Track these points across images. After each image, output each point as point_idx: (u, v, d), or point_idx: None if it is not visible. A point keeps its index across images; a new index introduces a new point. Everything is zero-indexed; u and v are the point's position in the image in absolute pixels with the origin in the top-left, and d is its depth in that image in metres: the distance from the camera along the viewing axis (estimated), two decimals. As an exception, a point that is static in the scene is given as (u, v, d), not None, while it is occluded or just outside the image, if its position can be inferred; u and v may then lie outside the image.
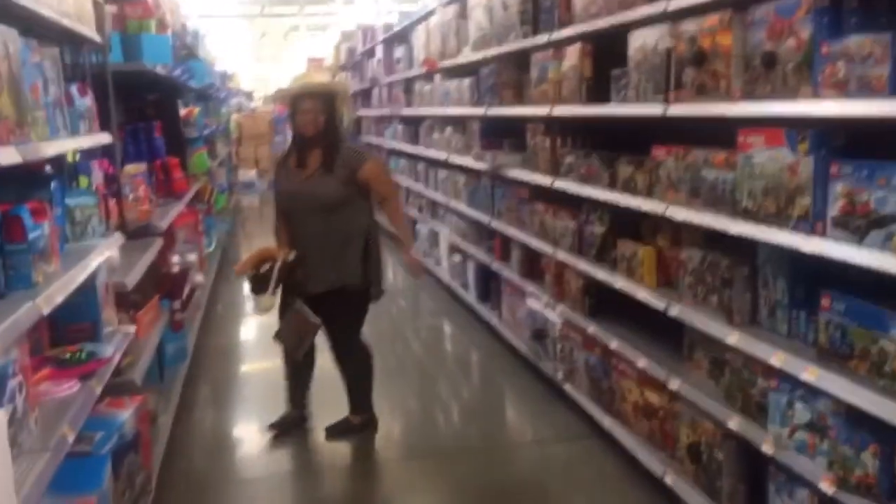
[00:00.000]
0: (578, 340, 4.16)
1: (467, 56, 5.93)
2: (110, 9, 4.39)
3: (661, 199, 3.21)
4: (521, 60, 5.00)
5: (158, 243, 4.27)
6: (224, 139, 12.73)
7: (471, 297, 6.32)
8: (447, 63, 6.57)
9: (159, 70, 4.84)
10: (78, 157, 3.29)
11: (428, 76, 7.54)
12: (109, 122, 4.10)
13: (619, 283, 3.63)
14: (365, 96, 12.05)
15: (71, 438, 2.12)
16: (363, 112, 12.28)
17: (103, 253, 2.78)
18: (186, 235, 5.98)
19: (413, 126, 8.37)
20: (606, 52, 3.76)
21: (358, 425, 4.20)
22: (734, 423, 2.79)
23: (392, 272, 8.59)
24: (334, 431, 4.20)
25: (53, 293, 2.13)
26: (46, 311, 2.10)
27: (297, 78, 4.24)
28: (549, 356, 4.58)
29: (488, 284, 5.94)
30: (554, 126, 4.43)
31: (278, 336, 3.97)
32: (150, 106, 6.23)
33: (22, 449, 1.97)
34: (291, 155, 4.01)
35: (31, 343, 2.64)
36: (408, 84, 8.59)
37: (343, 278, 3.93)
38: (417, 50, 7.84)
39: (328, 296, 3.91)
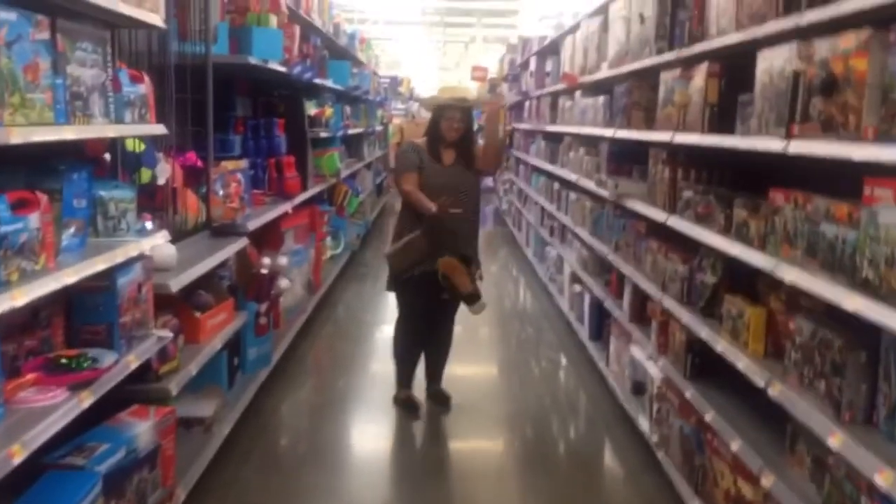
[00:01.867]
0: (676, 404, 3.61)
1: (604, 72, 5.45)
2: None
3: (774, 254, 2.65)
4: (655, 80, 4.48)
5: (240, 243, 4.11)
6: (376, 142, 12.79)
7: (583, 332, 5.82)
8: (586, 79, 6.11)
9: (272, 66, 4.70)
10: (142, 146, 3.15)
11: (570, 92, 7.09)
12: (201, 115, 4.00)
13: (721, 345, 3.07)
14: (518, 109, 11.72)
15: (18, 459, 1.90)
16: (517, 125, 11.96)
17: (128, 251, 2.59)
18: (297, 237, 5.86)
19: (554, 143, 7.93)
20: (737, 73, 3.21)
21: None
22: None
23: (525, 296, 8.19)
24: (444, 401, 4.73)
25: (18, 294, 1.92)
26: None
27: (444, 89, 4.70)
28: (646, 414, 4.03)
29: (602, 322, 5.42)
30: (675, 155, 3.90)
31: (389, 256, 4.54)
32: (279, 103, 6.21)
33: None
34: (424, 150, 4.51)
35: (38, 342, 2.49)
36: (553, 99, 8.17)
37: (469, 251, 4.51)
38: (564, 63, 7.41)
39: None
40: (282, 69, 4.98)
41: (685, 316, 3.48)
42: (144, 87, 2.78)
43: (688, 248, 3.70)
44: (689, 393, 3.41)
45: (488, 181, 15.76)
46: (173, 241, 3.62)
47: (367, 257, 9.70)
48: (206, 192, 4.02)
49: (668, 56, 3.86)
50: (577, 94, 6.69)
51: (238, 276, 4.61)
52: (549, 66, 8.57)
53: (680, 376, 3.56)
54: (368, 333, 6.47)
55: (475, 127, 5.03)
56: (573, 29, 6.92)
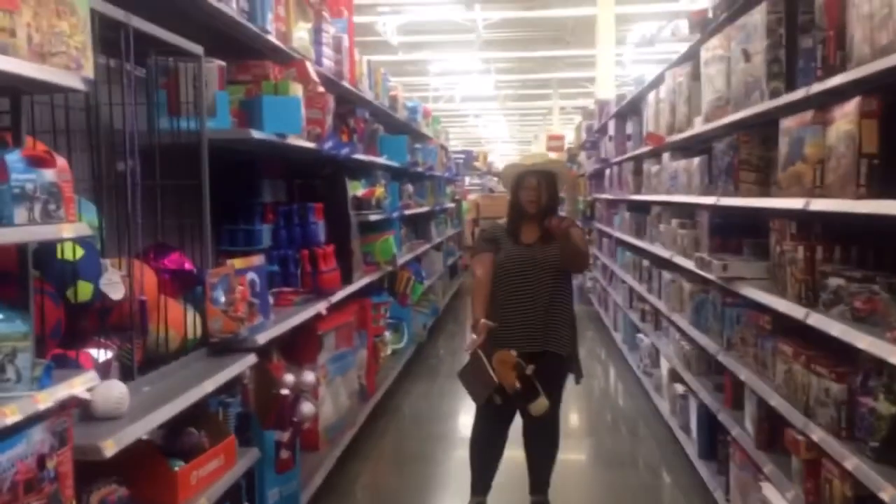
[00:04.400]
0: (842, 586, 2.49)
1: (698, 128, 4.48)
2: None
3: None
4: (768, 132, 3.50)
5: (243, 363, 3.25)
6: (447, 220, 11.99)
7: (692, 449, 4.68)
8: (675, 138, 5.13)
9: (293, 141, 3.91)
10: (80, 253, 2.33)
11: (656, 155, 6.12)
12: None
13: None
14: (598, 178, 10.76)
15: None
16: (596, 195, 10.98)
17: (4, 414, 1.73)
18: (339, 339, 4.99)
19: (641, 214, 6.92)
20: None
21: None
22: None
23: (616, 391, 7.11)
24: None
25: None
26: None
27: (524, 157, 4.41)
28: (792, 587, 2.90)
29: (714, 437, 4.30)
30: (812, 228, 2.88)
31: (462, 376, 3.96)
32: (322, 185, 5.44)
33: None
34: (503, 229, 4.14)
35: None
36: (637, 164, 7.19)
37: (553, 342, 3.93)
38: (647, 123, 6.46)
39: (533, 358, 3.77)
40: (307, 145, 4.19)
41: (851, 460, 2.40)
42: (52, 174, 1.97)
43: (841, 355, 2.64)
44: (866, 578, 2.31)
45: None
46: (146, 370, 2.81)
47: (438, 348, 8.77)
48: (203, 300, 3.19)
49: (791, 97, 2.87)
50: (665, 156, 5.71)
51: (256, 399, 3.75)
52: (629, 128, 7.63)
53: (846, 547, 2.46)
54: (438, 448, 5.45)
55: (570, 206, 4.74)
56: (656, 83, 5.99)
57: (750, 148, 3.62)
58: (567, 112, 27.48)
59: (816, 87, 2.67)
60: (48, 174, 1.99)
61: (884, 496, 2.15)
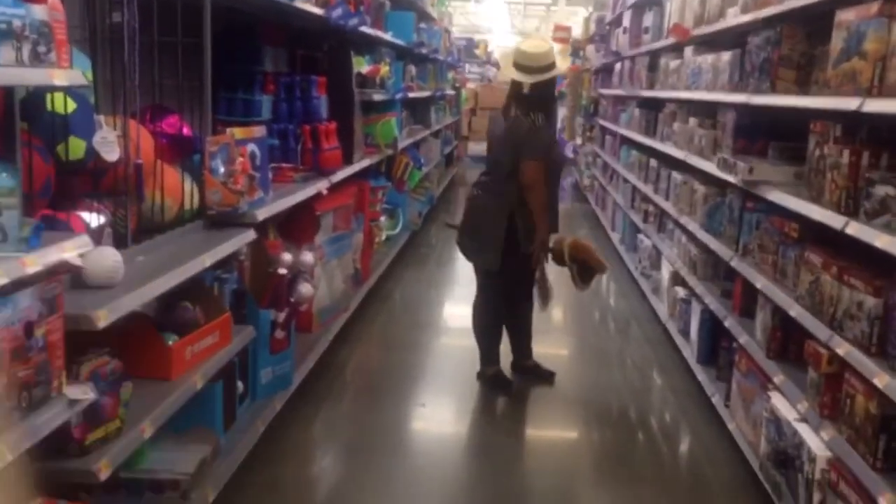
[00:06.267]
0: (853, 501, 2.43)
1: (733, 19, 4.20)
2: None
3: None
4: (817, 27, 3.25)
5: (242, 238, 3.08)
6: (446, 108, 11.64)
7: (690, 352, 4.62)
8: (704, 30, 4.84)
9: (299, 4, 3.62)
10: (72, 107, 2.11)
11: (677, 49, 5.82)
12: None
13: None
14: (606, 73, 10.40)
15: None
16: (602, 90, 10.65)
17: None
18: (337, 221, 4.81)
19: (653, 112, 6.67)
20: None
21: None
22: None
23: (609, 291, 7.02)
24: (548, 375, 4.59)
25: None
26: None
27: (527, 54, 4.20)
28: (796, 500, 2.85)
29: (716, 343, 4.22)
30: (862, 131, 2.68)
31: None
32: (326, 58, 5.13)
33: None
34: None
35: None
36: (652, 59, 6.89)
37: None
38: (671, 15, 6.13)
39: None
40: (315, 10, 3.90)
41: (882, 377, 2.29)
42: (42, 11, 1.73)
43: (880, 269, 2.50)
44: (885, 495, 2.23)
45: (567, 151, 14.49)
46: (140, 239, 2.64)
47: (431, 236, 8.64)
48: (192, 170, 2.99)
49: (856, -16, 2.62)
50: (688, 51, 5.43)
51: (252, 277, 3.60)
52: (647, 20, 7.27)
53: (864, 464, 2.38)
54: (424, 335, 5.39)
55: (556, 93, 4.73)
56: (684, -30, 5.62)
57: (793, 43, 3.37)
58: (572, 3, 26.52)
59: (888, -25, 2.42)
60: (38, 10, 1.75)
61: (919, 416, 2.05)
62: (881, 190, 2.46)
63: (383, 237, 6.70)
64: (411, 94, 7.53)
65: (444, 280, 7.05)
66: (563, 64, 4.57)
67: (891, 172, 2.53)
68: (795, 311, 2.98)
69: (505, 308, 4.46)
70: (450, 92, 12.22)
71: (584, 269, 4.36)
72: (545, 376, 4.55)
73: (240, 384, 3.32)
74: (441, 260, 7.73)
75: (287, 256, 3.64)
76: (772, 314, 3.31)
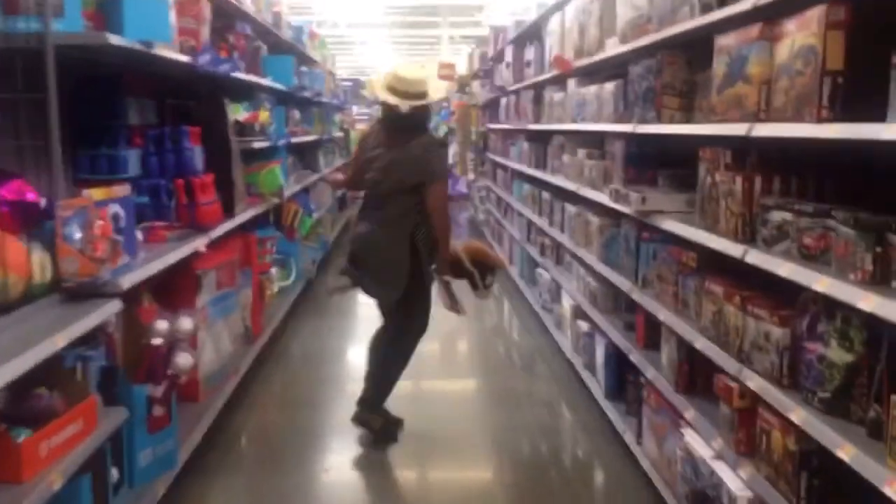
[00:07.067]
0: (780, 543, 2.32)
1: (612, 49, 4.17)
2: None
3: None
4: (695, 53, 3.22)
5: (105, 310, 2.76)
6: (335, 150, 11.42)
7: (597, 387, 4.51)
8: (584, 62, 4.82)
9: (161, 52, 3.36)
10: None
11: (560, 81, 5.82)
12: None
13: (887, 475, 1.78)
14: (493, 108, 10.44)
15: None
16: (491, 125, 10.67)
17: None
18: (221, 279, 4.50)
19: (542, 144, 6.65)
20: (880, 24, 1.95)
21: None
22: None
23: (512, 327, 6.90)
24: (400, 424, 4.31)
25: None
26: None
27: (405, 80, 4.09)
28: (718, 540, 2.73)
29: (623, 377, 4.13)
30: (752, 156, 2.63)
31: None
32: (198, 107, 4.85)
33: None
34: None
35: None
36: (537, 93, 6.89)
37: None
38: (551, 49, 6.13)
39: None
40: (180, 58, 3.64)
41: (797, 412, 2.19)
42: None
43: (784, 296, 2.42)
44: (811, 539, 2.12)
45: (461, 187, 14.48)
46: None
47: (328, 284, 8.34)
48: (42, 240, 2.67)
49: (737, 7, 2.57)
50: (571, 83, 5.42)
51: (126, 350, 3.27)
52: (529, 55, 7.29)
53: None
54: (328, 391, 5.10)
55: (445, 130, 4.62)
56: (561, 4, 5.63)
57: (674, 70, 3.33)
58: (456, 42, 26.89)
59: (765, -2, 2.37)
60: None
61: (841, 454, 1.95)
62: (777, 216, 2.39)
63: (275, 289, 6.38)
64: (296, 139, 7.29)
65: (347, 327, 6.78)
66: (438, 92, 4.45)
67: (784, 198, 2.48)
68: (701, 343, 2.89)
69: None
70: (338, 134, 12.02)
71: (484, 272, 4.31)
72: (398, 426, 4.32)
73: (114, 472, 2.98)
74: (342, 307, 7.44)
75: (162, 324, 3.32)
76: (677, 347, 3.22)
